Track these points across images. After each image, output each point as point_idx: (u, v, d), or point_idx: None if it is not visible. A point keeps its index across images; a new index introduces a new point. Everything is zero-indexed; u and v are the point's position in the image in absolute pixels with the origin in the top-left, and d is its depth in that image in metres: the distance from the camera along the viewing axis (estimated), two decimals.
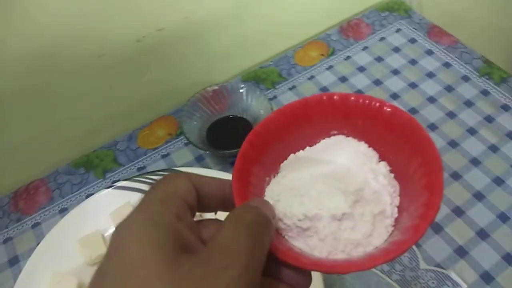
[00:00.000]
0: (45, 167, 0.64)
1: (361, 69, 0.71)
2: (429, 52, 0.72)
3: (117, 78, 0.64)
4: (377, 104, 0.30)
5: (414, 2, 0.82)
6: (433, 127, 0.63)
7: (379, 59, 0.72)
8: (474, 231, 0.53)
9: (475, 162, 0.59)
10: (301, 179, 0.29)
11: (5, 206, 0.61)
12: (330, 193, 0.27)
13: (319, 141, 0.31)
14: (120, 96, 0.66)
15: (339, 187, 0.27)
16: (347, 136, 0.31)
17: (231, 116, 0.63)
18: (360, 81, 0.69)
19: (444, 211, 0.54)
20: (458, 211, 0.54)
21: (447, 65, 0.70)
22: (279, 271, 0.23)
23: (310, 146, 0.31)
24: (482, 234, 0.52)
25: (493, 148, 0.60)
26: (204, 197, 0.24)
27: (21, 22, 0.51)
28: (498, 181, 0.57)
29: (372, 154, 0.30)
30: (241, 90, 0.62)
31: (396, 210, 0.28)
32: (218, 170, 0.60)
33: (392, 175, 0.29)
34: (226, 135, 0.62)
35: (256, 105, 0.62)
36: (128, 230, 0.19)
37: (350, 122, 0.31)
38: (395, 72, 0.70)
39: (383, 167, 0.29)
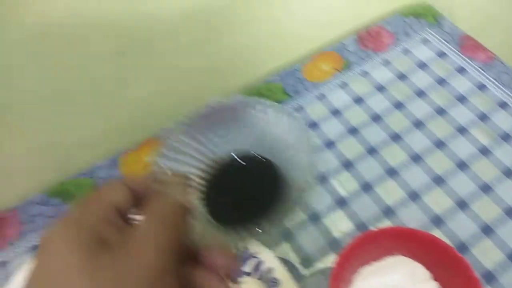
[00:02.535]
0: (15, 196, 0.56)
1: (380, 88, 0.61)
2: (461, 70, 0.62)
3: (95, 96, 0.55)
4: (435, 240, 0.41)
5: (442, 4, 0.71)
6: (463, 165, 0.53)
7: (401, 77, 0.62)
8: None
9: (509, 211, 0.49)
10: None
11: None
12: None
13: (383, 258, 0.44)
14: (100, 115, 0.58)
15: None
16: (406, 256, 0.43)
17: (242, 158, 0.36)
18: (379, 104, 0.59)
19: None
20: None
21: (481, 87, 0.60)
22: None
23: (375, 261, 0.44)
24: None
25: None
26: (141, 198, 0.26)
27: None
28: None
29: (427, 275, 0.42)
30: (259, 108, 0.35)
31: None
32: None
33: None
34: (239, 195, 0.35)
35: (290, 138, 0.35)
36: (53, 231, 0.22)
37: (411, 247, 0.42)
38: (420, 93, 0.60)
39: (434, 286, 0.41)
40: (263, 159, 0.36)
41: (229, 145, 0.36)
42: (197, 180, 0.32)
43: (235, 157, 0.36)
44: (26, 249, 0.52)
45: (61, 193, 0.56)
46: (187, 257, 0.25)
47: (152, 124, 0.58)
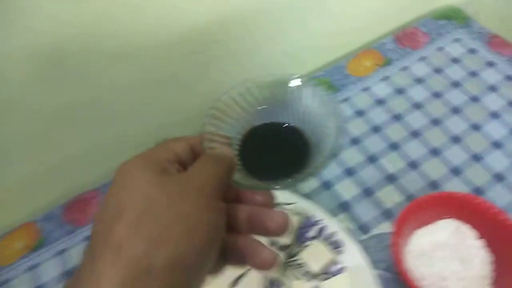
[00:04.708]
0: (98, 177, 0.64)
1: (419, 80, 0.69)
2: (491, 64, 0.69)
3: (172, 88, 0.63)
4: (486, 204, 0.49)
5: (470, 9, 0.79)
6: (497, 144, 0.60)
7: (438, 70, 0.69)
8: None
9: None
10: (425, 246, 0.51)
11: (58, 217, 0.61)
12: (450, 261, 0.49)
13: (433, 222, 0.52)
14: (172, 106, 0.66)
15: (456, 257, 0.49)
16: (455, 219, 0.52)
17: (271, 123, 0.40)
18: (419, 94, 0.67)
19: None
20: None
21: (510, 78, 0.67)
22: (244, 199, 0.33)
23: (428, 224, 0.52)
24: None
25: None
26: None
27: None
28: None
29: (472, 233, 0.51)
30: (291, 85, 0.40)
31: (493, 274, 0.49)
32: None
33: (489, 249, 0.50)
34: (270, 156, 0.40)
35: (320, 113, 0.38)
36: (128, 161, 0.28)
37: (460, 211, 0.51)
38: (456, 84, 0.67)
39: (480, 243, 0.50)
40: (296, 129, 0.40)
41: (267, 116, 0.41)
42: (237, 142, 0.38)
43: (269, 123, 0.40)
44: None
45: None
46: (230, 197, 0.32)
47: None
